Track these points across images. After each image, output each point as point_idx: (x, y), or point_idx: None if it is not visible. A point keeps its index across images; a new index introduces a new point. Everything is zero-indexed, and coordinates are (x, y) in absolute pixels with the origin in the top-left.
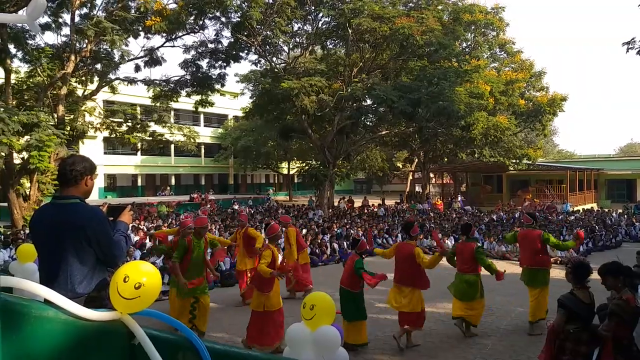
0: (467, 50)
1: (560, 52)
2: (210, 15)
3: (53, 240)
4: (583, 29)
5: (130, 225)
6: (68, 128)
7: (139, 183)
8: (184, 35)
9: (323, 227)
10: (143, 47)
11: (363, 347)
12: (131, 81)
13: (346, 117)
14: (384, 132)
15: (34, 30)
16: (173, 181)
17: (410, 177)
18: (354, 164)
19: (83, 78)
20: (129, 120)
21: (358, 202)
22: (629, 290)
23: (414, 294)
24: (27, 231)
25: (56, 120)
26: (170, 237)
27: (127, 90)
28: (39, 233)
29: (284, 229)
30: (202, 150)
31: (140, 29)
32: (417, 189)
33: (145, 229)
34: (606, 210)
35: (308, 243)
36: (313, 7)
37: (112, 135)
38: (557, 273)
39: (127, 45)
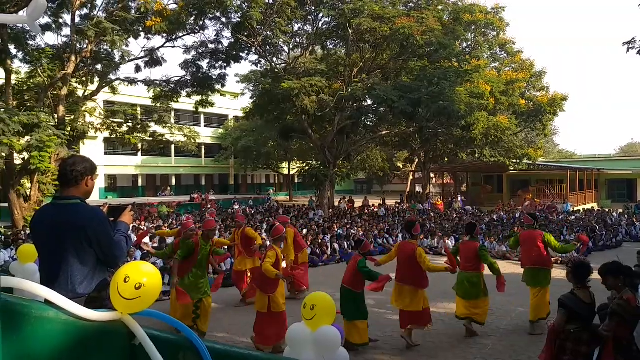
0: (467, 50)
1: (560, 52)
2: (211, 16)
3: (54, 240)
4: (583, 29)
5: (131, 225)
6: (68, 128)
7: (140, 183)
8: (184, 35)
9: (323, 227)
10: (143, 47)
11: (363, 347)
12: (131, 82)
13: (346, 117)
14: (384, 132)
15: (34, 31)
16: (173, 181)
17: (411, 177)
18: (355, 164)
19: (83, 78)
20: (130, 121)
21: (358, 202)
22: (630, 290)
23: (415, 292)
24: (28, 232)
25: (57, 120)
26: (170, 239)
27: (127, 91)
28: (39, 233)
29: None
30: (203, 151)
31: (141, 29)
32: (418, 189)
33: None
34: (607, 210)
35: (308, 243)
36: (313, 8)
37: (112, 136)
38: (558, 273)
39: (127, 45)
